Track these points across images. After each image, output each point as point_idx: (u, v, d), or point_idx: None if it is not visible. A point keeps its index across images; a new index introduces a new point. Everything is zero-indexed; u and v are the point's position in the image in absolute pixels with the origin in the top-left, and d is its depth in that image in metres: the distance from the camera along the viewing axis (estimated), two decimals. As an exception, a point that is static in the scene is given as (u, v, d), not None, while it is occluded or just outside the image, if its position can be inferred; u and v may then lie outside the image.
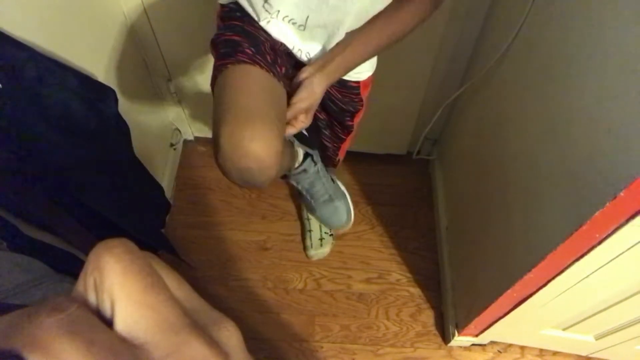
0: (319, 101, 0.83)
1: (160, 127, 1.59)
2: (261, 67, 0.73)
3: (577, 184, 0.73)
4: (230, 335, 0.20)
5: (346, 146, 1.13)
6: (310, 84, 0.79)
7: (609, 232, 0.69)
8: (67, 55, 0.93)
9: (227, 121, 0.66)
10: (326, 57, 0.81)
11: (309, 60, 0.82)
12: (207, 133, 1.73)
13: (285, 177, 1.03)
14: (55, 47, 0.89)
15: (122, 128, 1.06)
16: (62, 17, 0.95)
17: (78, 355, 0.16)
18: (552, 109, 0.84)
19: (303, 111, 0.81)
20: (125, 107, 1.07)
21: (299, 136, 0.99)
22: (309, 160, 0.99)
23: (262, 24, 0.77)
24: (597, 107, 0.69)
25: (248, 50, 0.74)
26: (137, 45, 1.32)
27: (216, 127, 0.67)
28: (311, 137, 1.01)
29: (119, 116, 1.03)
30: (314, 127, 1.01)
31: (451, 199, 1.53)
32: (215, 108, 0.71)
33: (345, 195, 1.08)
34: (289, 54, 0.81)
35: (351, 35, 0.80)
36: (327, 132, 1.05)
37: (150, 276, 0.19)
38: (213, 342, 0.19)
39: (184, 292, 0.21)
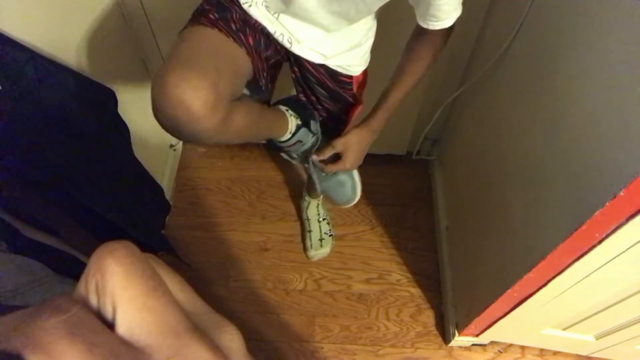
0: (356, 148, 0.97)
1: (159, 128, 1.58)
2: (220, 30, 0.72)
3: (576, 184, 0.73)
4: (232, 339, 0.20)
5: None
6: (348, 135, 0.96)
7: (609, 231, 0.69)
8: (67, 57, 0.93)
9: (158, 73, 0.65)
10: (370, 115, 0.95)
11: (291, 45, 0.83)
12: (207, 134, 1.72)
13: (278, 149, 1.00)
14: (54, 49, 0.89)
15: (121, 129, 1.06)
16: (61, 19, 0.95)
17: (79, 357, 0.16)
18: (551, 109, 0.84)
19: (331, 152, 0.97)
20: (125, 108, 1.07)
21: (294, 105, 0.97)
22: (303, 131, 0.96)
23: (245, 7, 0.78)
24: (597, 107, 0.69)
25: (211, 16, 0.74)
26: (136, 46, 1.32)
27: (152, 78, 0.67)
28: (310, 107, 1.00)
29: (118, 117, 1.03)
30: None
31: (451, 199, 1.53)
32: None
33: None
34: (267, 34, 0.81)
35: (388, 88, 0.92)
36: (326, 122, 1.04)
37: (152, 279, 0.19)
38: (214, 346, 0.19)
39: (185, 295, 0.21)
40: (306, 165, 1.06)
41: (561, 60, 0.81)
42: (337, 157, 0.99)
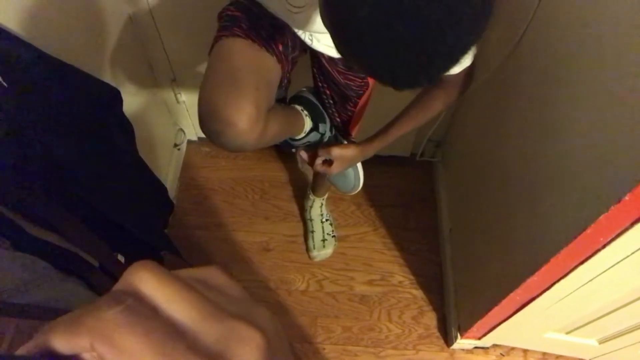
0: (346, 161, 1.00)
1: (164, 128, 1.59)
2: (253, 41, 0.76)
3: (581, 188, 0.72)
4: (267, 317, 0.22)
5: (355, 125, 1.14)
6: (346, 149, 0.99)
7: (614, 236, 0.69)
8: (72, 55, 0.93)
9: (204, 88, 0.72)
10: (368, 139, 1.00)
11: (312, 41, 0.85)
12: (211, 134, 1.73)
13: (289, 146, 1.07)
14: (60, 47, 0.89)
15: (126, 128, 1.06)
16: (67, 18, 0.95)
17: (139, 342, 0.17)
18: (555, 112, 0.83)
19: (321, 159, 1.01)
20: (130, 108, 1.07)
21: (308, 106, 1.03)
22: (313, 133, 1.03)
23: (270, 10, 0.81)
24: (601, 111, 0.69)
25: (244, 25, 0.78)
26: (142, 45, 1.32)
27: (199, 95, 0.73)
28: (321, 110, 1.06)
29: (123, 116, 1.04)
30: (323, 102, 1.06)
31: (454, 201, 1.53)
32: (204, 76, 0.75)
33: None
34: (293, 32, 0.84)
35: (390, 122, 0.97)
36: (334, 110, 1.08)
37: (183, 280, 0.20)
38: (257, 324, 0.20)
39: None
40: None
41: (566, 64, 0.81)
42: (327, 160, 1.04)
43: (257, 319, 0.21)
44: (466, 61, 0.76)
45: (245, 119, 0.70)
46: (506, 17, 1.11)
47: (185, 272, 0.22)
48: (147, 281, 0.19)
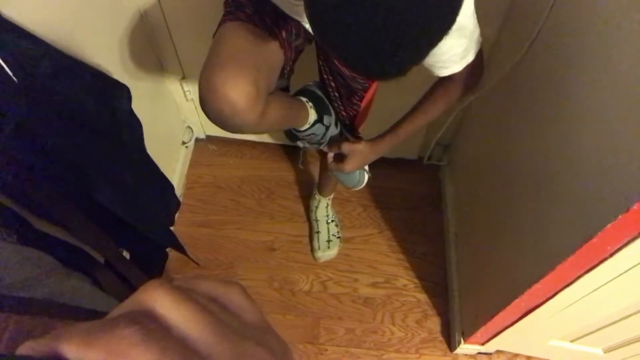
0: (358, 158, 1.00)
1: (172, 125, 1.60)
2: (255, 25, 0.78)
3: (588, 196, 0.72)
4: (279, 342, 0.23)
5: (361, 120, 1.14)
6: (357, 144, 0.99)
7: (621, 245, 0.68)
8: (82, 52, 0.94)
9: (206, 67, 0.73)
10: (379, 136, 0.99)
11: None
12: (219, 131, 1.72)
13: (294, 137, 1.08)
14: (70, 43, 0.90)
15: (134, 125, 1.07)
16: (77, 14, 0.96)
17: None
18: (565, 118, 0.83)
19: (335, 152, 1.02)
20: (138, 104, 1.08)
21: (313, 98, 1.03)
22: (318, 125, 1.03)
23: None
24: (612, 118, 0.68)
25: (248, 11, 0.79)
26: (152, 43, 1.33)
27: (199, 75, 0.74)
28: (326, 102, 1.06)
29: (132, 113, 1.04)
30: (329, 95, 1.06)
31: (461, 205, 1.52)
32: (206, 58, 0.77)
33: None
34: (297, 21, 0.85)
35: (399, 121, 0.97)
36: (340, 103, 1.07)
37: (197, 301, 0.21)
38: (270, 347, 0.21)
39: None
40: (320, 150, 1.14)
41: (577, 70, 0.80)
42: (340, 158, 1.04)
43: (269, 343, 0.21)
44: (468, 57, 0.77)
45: (244, 96, 0.70)
46: (517, 22, 1.10)
47: (205, 285, 0.23)
48: (162, 301, 0.20)
